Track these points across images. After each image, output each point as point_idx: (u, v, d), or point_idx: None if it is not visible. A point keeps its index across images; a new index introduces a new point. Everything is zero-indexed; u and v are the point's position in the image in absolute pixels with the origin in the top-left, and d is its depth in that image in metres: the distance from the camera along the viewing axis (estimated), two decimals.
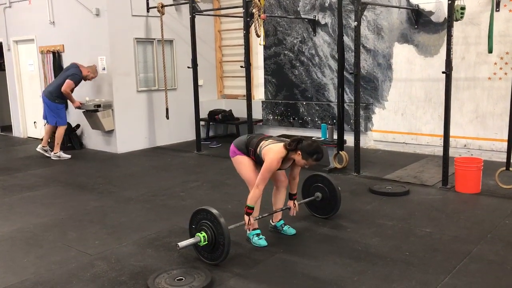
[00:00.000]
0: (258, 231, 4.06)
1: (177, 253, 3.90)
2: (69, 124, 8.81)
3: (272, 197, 4.31)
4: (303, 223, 4.47)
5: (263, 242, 3.99)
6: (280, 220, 4.31)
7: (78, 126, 8.81)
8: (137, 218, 4.85)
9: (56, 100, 7.86)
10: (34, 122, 9.96)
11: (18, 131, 10.38)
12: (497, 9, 6.43)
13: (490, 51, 6.13)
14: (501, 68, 6.62)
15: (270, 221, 4.35)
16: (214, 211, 3.68)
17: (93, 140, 8.71)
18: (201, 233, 3.68)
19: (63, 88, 7.72)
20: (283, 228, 4.28)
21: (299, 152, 3.81)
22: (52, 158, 7.93)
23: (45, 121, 8.25)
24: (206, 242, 3.66)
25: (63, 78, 7.85)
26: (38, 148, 8.13)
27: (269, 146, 3.91)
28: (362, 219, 4.61)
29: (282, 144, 3.88)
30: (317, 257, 3.77)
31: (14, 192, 5.96)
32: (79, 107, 8.05)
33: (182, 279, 3.38)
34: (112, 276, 3.53)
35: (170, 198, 5.54)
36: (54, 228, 4.63)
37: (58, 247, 4.15)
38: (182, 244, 3.63)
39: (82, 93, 8.43)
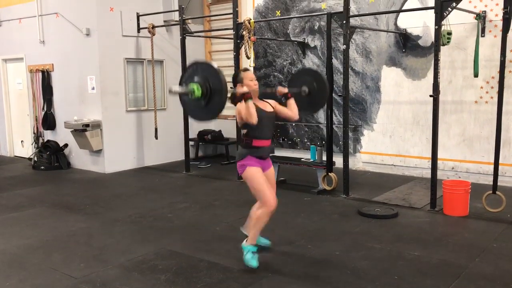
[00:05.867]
0: (254, 249, 3.96)
1: (164, 276, 3.84)
2: (56, 143, 8.76)
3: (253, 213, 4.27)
4: (292, 247, 4.44)
5: (254, 263, 3.91)
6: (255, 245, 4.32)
7: (66, 145, 8.74)
8: (124, 240, 4.78)
9: None
10: (22, 141, 9.87)
11: (5, 150, 10.26)
12: (482, 35, 6.56)
13: (476, 75, 6.25)
14: (487, 92, 6.72)
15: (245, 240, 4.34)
16: (206, 61, 3.65)
17: (80, 159, 8.63)
18: (195, 85, 3.55)
19: None
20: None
21: (238, 85, 3.92)
22: None
23: None
24: (200, 92, 3.53)
25: None
26: None
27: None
28: (351, 242, 4.59)
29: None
30: (305, 280, 3.73)
31: None
32: None
33: None
34: None
35: (158, 219, 5.48)
36: (39, 250, 4.55)
37: (42, 269, 4.06)
38: (175, 88, 3.58)
39: (71, 112, 8.40)
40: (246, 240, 4.02)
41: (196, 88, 3.55)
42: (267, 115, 4.00)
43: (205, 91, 3.55)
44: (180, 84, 3.80)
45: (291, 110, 4.19)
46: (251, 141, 3.95)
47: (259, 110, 3.91)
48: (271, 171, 4.13)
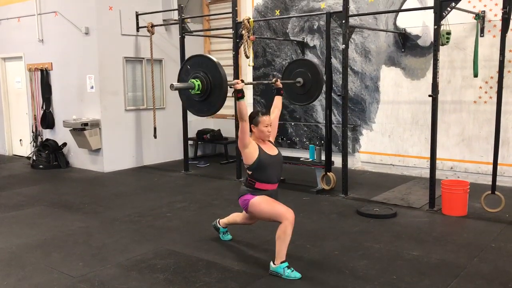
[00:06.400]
0: (287, 263, 3.79)
1: (163, 275, 3.84)
2: (55, 142, 8.76)
3: (238, 216, 4.43)
4: (290, 246, 4.42)
5: (296, 274, 3.73)
6: (225, 227, 4.58)
7: (64, 144, 8.73)
8: (122, 239, 4.78)
9: None
10: (20, 140, 9.86)
11: (3, 149, 10.25)
12: (482, 35, 6.56)
13: (475, 75, 6.24)
14: (486, 92, 6.72)
15: (217, 222, 4.60)
16: (205, 54, 3.72)
17: (79, 158, 8.62)
18: (196, 80, 3.58)
19: None
20: (224, 235, 4.58)
21: (252, 126, 3.92)
22: None
23: None
24: (201, 88, 3.60)
25: None
26: None
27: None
28: (349, 242, 4.59)
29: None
30: (304, 280, 3.73)
31: None
32: None
33: None
34: None
35: (157, 218, 5.47)
36: (37, 249, 4.54)
37: (40, 269, 4.06)
38: (176, 84, 3.62)
39: (69, 111, 8.39)
40: (273, 262, 3.80)
41: (196, 84, 3.55)
42: (276, 159, 4.00)
43: (205, 86, 3.55)
44: (179, 77, 3.80)
45: (278, 107, 4.38)
46: (254, 183, 3.95)
47: (267, 157, 3.92)
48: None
